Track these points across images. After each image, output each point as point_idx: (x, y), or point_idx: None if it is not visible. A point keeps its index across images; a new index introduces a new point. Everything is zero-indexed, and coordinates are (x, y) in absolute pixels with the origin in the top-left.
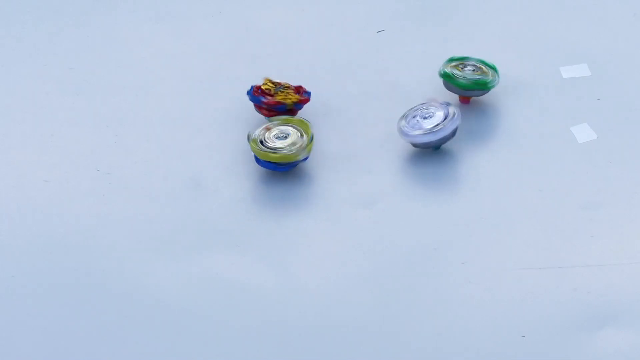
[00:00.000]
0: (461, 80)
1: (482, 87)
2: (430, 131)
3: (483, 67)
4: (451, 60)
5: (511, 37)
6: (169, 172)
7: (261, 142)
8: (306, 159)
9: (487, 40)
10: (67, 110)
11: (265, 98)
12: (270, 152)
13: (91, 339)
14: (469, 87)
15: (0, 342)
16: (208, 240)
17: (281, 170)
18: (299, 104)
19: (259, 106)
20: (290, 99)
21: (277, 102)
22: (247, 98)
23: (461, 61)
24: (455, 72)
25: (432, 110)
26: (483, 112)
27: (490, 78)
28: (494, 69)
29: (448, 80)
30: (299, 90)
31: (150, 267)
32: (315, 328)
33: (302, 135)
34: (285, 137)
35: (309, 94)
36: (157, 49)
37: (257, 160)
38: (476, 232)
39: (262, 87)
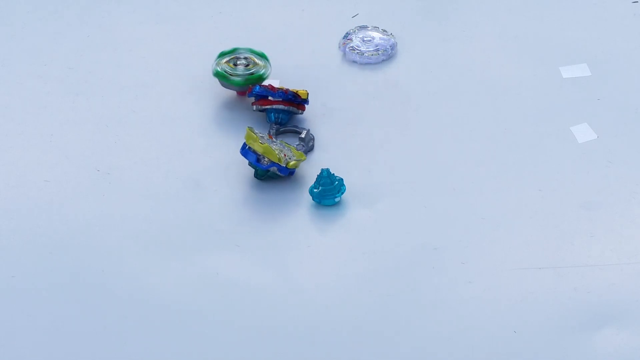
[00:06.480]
0: (235, 79)
1: (258, 80)
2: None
3: (255, 57)
4: (222, 55)
5: (511, 37)
6: (168, 172)
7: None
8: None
9: (487, 40)
10: (67, 110)
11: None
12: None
13: (91, 339)
14: (244, 84)
15: (0, 342)
16: (208, 240)
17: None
18: (304, 101)
19: (265, 99)
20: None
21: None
22: (246, 98)
23: (231, 54)
24: (227, 69)
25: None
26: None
27: (262, 70)
28: (264, 57)
29: (223, 79)
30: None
31: (150, 267)
32: (315, 328)
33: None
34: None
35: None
36: (157, 49)
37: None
38: (476, 232)
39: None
